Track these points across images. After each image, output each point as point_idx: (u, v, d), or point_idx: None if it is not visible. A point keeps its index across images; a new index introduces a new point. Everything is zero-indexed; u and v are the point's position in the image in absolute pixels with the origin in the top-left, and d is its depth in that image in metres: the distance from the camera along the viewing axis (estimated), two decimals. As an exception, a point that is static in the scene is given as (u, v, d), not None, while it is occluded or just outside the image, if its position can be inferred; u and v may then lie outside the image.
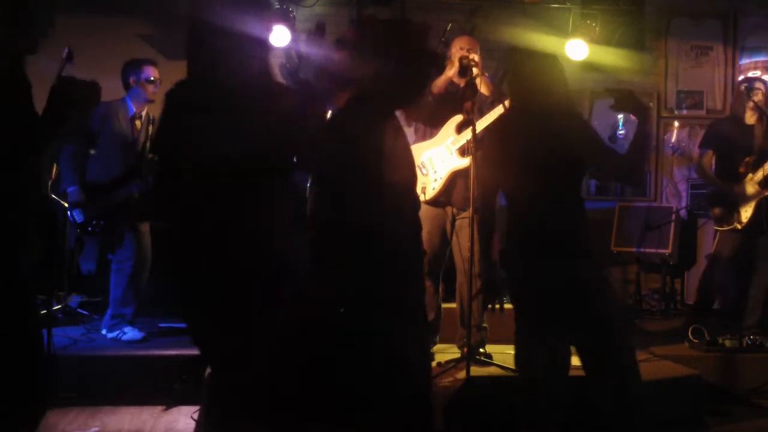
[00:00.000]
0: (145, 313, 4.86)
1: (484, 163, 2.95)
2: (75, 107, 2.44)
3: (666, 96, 6.66)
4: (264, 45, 2.33)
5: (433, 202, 4.14)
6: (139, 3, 5.77)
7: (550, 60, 2.87)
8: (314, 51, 2.40)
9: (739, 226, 4.81)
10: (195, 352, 4.15)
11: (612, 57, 5.87)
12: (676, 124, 6.60)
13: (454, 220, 4.19)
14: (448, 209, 4.19)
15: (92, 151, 4.25)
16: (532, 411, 2.68)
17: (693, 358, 4.39)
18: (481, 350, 4.11)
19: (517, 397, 2.64)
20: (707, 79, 6.70)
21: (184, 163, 2.17)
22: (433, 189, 4.12)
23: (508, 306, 4.63)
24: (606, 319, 2.73)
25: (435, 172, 4.14)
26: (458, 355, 4.07)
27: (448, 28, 4.87)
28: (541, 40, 5.71)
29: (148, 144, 4.65)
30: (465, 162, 4.01)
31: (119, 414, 3.87)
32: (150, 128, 4.67)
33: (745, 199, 4.80)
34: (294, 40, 5.62)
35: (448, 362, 3.95)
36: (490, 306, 2.86)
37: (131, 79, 4.56)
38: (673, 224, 5.73)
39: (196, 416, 3.81)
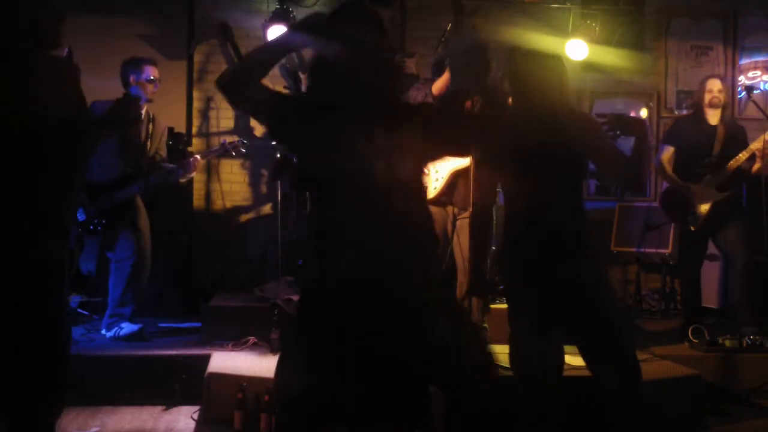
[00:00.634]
0: (145, 313, 4.86)
1: (484, 161, 2.94)
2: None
3: (666, 96, 6.66)
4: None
5: (434, 202, 4.14)
6: (139, 3, 5.78)
7: (552, 59, 2.86)
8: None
9: (693, 228, 4.81)
10: (195, 352, 4.21)
11: (612, 57, 5.86)
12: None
13: (455, 220, 4.20)
14: (449, 209, 4.20)
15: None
16: (528, 411, 2.68)
17: (693, 358, 4.39)
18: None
19: (515, 397, 2.63)
20: (707, 79, 6.70)
21: None
22: (435, 188, 4.13)
23: (498, 306, 4.65)
24: (608, 319, 2.73)
25: (436, 171, 4.15)
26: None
27: (448, 28, 4.87)
28: (541, 40, 5.73)
29: (148, 143, 4.66)
30: (466, 162, 4.01)
31: (119, 414, 3.88)
32: (150, 126, 4.67)
33: (702, 200, 4.78)
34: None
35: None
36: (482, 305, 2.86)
37: (131, 78, 4.55)
38: (673, 224, 5.72)
39: (196, 416, 3.81)
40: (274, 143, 5.27)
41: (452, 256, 4.25)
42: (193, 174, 4.88)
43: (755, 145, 4.69)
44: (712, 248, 5.13)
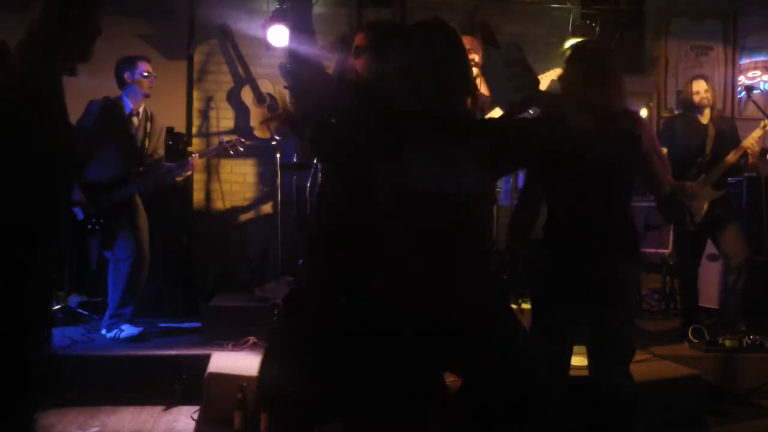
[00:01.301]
0: (145, 313, 4.86)
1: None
2: None
3: (666, 96, 6.66)
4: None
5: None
6: (139, 3, 5.78)
7: (604, 55, 2.82)
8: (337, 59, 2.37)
9: (691, 228, 4.81)
10: (195, 352, 4.21)
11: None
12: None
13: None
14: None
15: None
16: (532, 411, 2.68)
17: (693, 358, 4.39)
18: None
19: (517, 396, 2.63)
20: (707, 79, 6.70)
21: None
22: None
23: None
24: (622, 329, 2.73)
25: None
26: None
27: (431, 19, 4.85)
28: (541, 40, 5.74)
29: (146, 141, 4.66)
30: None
31: (119, 414, 3.87)
32: (148, 125, 4.67)
33: (698, 199, 4.78)
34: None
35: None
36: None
37: (126, 76, 4.56)
38: (672, 224, 5.72)
39: (196, 416, 3.81)
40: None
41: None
42: (191, 173, 4.88)
43: (747, 143, 4.72)
44: (711, 248, 5.13)
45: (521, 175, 6.33)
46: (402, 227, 2.13)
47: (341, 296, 2.16)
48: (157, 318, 5.01)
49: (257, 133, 5.85)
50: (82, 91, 3.80)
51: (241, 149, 5.06)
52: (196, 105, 6.05)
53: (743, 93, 6.45)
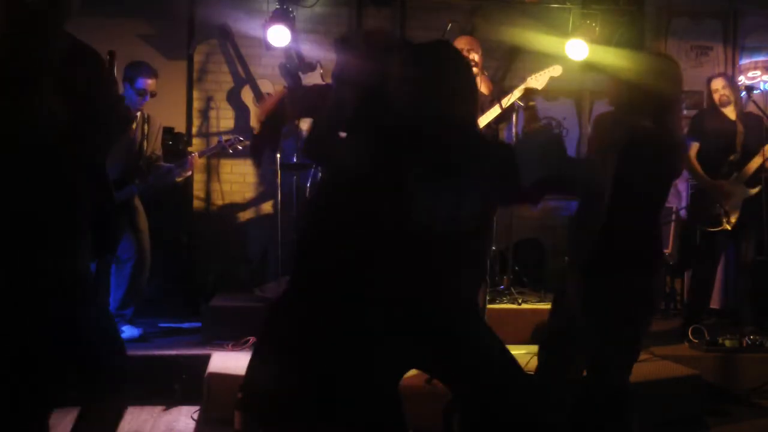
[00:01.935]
0: (145, 313, 4.86)
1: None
2: None
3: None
4: None
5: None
6: (139, 3, 5.78)
7: (668, 61, 2.78)
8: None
9: (728, 227, 4.77)
10: (195, 352, 4.21)
11: (612, 57, 5.85)
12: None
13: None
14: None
15: None
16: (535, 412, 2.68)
17: (693, 358, 4.39)
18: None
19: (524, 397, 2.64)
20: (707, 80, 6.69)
21: None
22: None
23: (506, 306, 4.63)
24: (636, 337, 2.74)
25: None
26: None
27: (448, 28, 4.87)
28: (541, 40, 5.74)
29: (144, 143, 4.65)
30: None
31: (119, 414, 3.87)
32: (145, 126, 4.67)
33: (732, 198, 4.76)
34: (294, 40, 5.64)
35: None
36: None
37: (125, 82, 4.55)
38: (673, 224, 5.72)
39: (196, 416, 3.81)
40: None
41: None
42: (191, 172, 4.88)
43: None
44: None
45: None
46: (395, 237, 2.14)
47: (328, 299, 2.16)
48: (157, 318, 5.01)
49: (257, 133, 5.85)
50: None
51: (240, 147, 5.06)
52: (196, 105, 6.05)
53: (743, 93, 6.45)
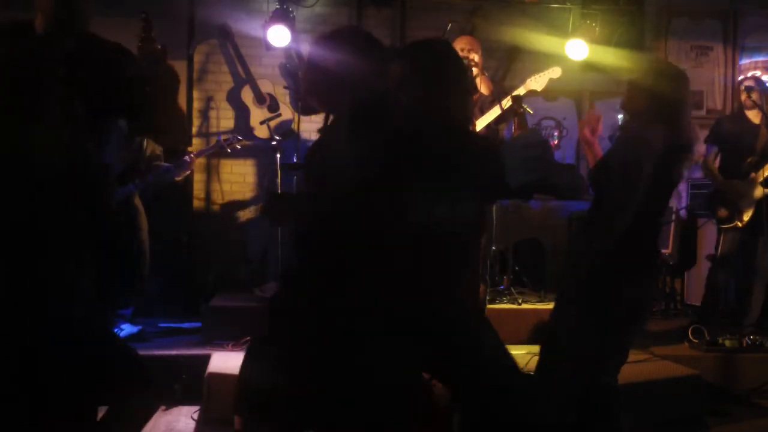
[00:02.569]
0: (146, 313, 4.86)
1: None
2: None
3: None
4: None
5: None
6: (139, 3, 5.77)
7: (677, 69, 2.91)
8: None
9: (740, 224, 4.82)
10: (195, 352, 4.21)
11: (612, 57, 5.86)
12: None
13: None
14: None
15: None
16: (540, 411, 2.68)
17: (693, 358, 4.39)
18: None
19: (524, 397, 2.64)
20: (707, 79, 6.70)
21: None
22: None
23: (506, 306, 4.63)
24: None
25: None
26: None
27: (448, 28, 4.87)
28: (541, 40, 5.74)
29: (144, 142, 4.65)
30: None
31: (119, 414, 3.87)
32: (146, 127, 4.67)
33: (747, 197, 4.80)
34: (294, 40, 5.64)
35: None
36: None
37: None
38: (673, 224, 5.72)
39: (196, 416, 3.81)
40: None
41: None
42: (189, 172, 4.88)
43: None
44: (710, 248, 5.14)
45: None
46: (391, 237, 2.14)
47: (322, 300, 2.16)
48: (157, 318, 5.01)
49: (257, 133, 5.85)
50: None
51: (239, 147, 5.06)
52: (196, 105, 6.05)
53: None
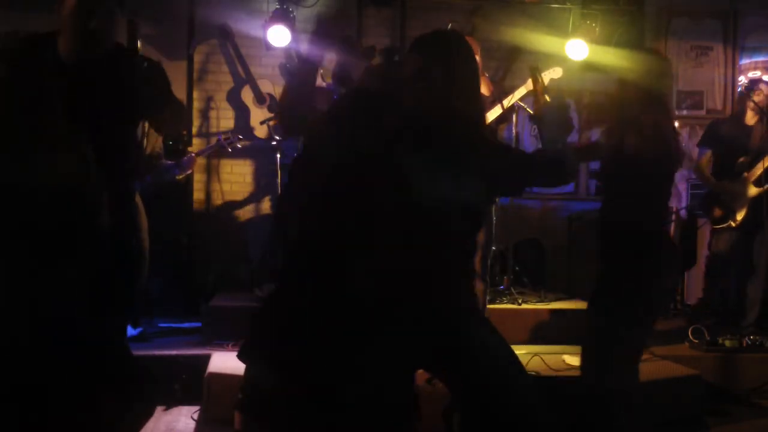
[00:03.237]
0: (145, 313, 4.86)
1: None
2: None
3: (666, 96, 6.65)
4: None
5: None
6: (139, 3, 5.77)
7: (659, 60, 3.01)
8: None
9: (733, 224, 4.84)
10: (195, 352, 4.21)
11: (612, 57, 5.86)
12: (676, 124, 6.60)
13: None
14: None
15: None
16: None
17: (693, 358, 4.39)
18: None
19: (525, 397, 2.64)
20: (707, 80, 6.70)
21: None
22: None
23: (506, 306, 4.62)
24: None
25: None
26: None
27: (448, 28, 4.86)
28: (541, 40, 5.74)
29: (145, 141, 4.65)
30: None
31: (119, 414, 3.87)
32: (146, 126, 4.66)
33: (740, 197, 4.81)
34: (294, 40, 5.64)
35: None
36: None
37: None
38: (673, 224, 5.73)
39: (196, 416, 3.81)
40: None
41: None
42: (190, 171, 4.88)
43: None
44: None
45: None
46: (389, 231, 2.14)
47: (319, 298, 2.16)
48: (157, 318, 5.01)
49: (257, 133, 5.85)
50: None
51: (239, 146, 5.06)
52: (196, 105, 6.05)
53: (743, 93, 6.46)
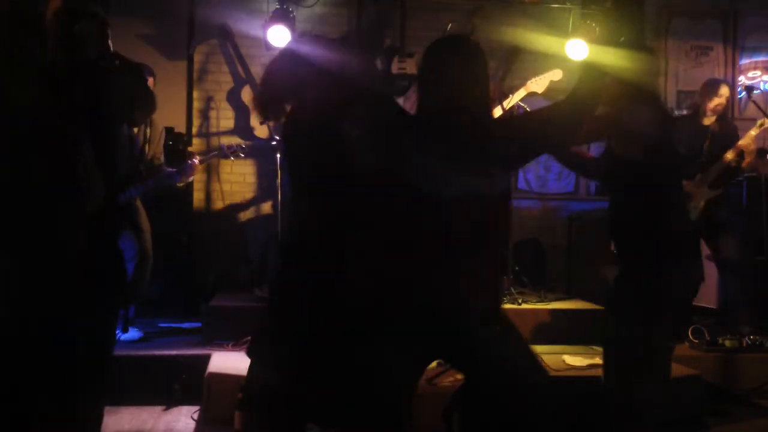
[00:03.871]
0: (145, 313, 4.86)
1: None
2: None
3: (666, 96, 6.65)
4: None
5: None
6: (139, 3, 5.78)
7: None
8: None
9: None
10: (195, 352, 4.21)
11: (611, 57, 5.85)
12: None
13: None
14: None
15: None
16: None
17: (693, 358, 4.39)
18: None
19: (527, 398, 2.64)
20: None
21: None
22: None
23: (506, 306, 4.61)
24: None
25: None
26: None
27: (448, 28, 4.87)
28: (541, 40, 5.73)
29: (146, 147, 4.65)
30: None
31: (119, 414, 3.87)
32: (148, 130, 4.66)
33: (695, 198, 4.80)
34: (294, 40, 5.63)
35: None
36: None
37: None
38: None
39: (196, 416, 3.81)
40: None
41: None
42: (191, 178, 4.87)
43: (743, 142, 4.73)
44: (709, 249, 5.14)
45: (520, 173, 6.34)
46: (403, 228, 2.13)
47: (325, 297, 2.16)
48: (157, 318, 5.01)
49: (257, 133, 5.85)
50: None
51: (242, 155, 5.06)
52: (196, 105, 6.05)
53: (743, 93, 6.46)
